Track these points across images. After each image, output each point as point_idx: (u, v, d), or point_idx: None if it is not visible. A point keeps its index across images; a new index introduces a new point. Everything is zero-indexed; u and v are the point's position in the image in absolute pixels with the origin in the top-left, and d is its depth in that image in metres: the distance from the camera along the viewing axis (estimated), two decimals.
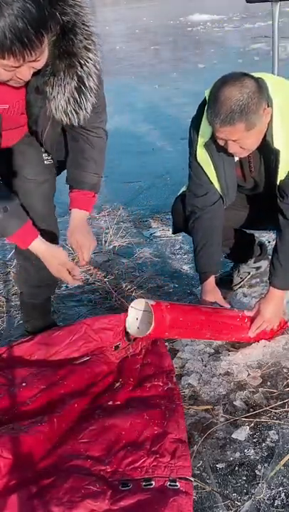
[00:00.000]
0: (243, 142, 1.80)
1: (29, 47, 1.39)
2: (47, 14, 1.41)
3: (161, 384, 1.88)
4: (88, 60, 1.61)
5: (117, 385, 1.90)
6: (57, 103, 1.65)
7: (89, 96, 1.66)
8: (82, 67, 1.61)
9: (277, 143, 1.85)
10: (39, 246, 1.82)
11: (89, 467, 1.55)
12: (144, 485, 1.48)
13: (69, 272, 1.87)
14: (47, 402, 1.77)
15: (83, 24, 1.59)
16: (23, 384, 1.83)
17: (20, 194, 1.91)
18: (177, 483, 1.48)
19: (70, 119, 1.69)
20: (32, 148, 1.91)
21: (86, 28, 1.59)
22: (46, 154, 1.94)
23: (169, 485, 1.48)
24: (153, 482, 1.49)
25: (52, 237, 1.97)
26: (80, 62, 1.60)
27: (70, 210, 1.97)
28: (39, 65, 1.50)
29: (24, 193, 1.92)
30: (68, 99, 1.64)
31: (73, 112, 1.67)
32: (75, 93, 1.64)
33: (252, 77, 1.78)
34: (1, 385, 1.84)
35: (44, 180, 1.96)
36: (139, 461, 1.56)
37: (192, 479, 1.52)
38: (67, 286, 2.70)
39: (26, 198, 1.91)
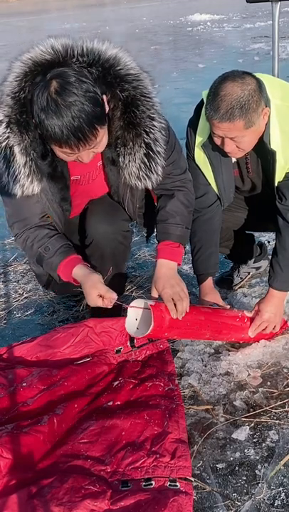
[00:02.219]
0: (240, 140, 1.80)
1: (83, 140, 1.58)
2: (102, 111, 1.60)
3: (162, 384, 1.88)
4: (153, 127, 1.77)
5: (117, 383, 1.90)
6: (130, 170, 1.82)
7: (158, 160, 1.82)
8: (148, 135, 1.76)
9: (274, 144, 1.85)
10: (77, 274, 1.86)
11: (89, 467, 1.55)
12: (144, 485, 1.48)
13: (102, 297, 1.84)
14: (47, 402, 1.77)
15: (143, 96, 1.73)
16: (24, 384, 1.83)
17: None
18: (177, 483, 1.48)
19: (143, 183, 1.84)
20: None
21: (147, 100, 1.74)
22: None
23: (169, 485, 1.48)
24: (153, 482, 1.49)
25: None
26: (145, 131, 1.76)
27: (157, 260, 1.98)
28: (98, 150, 1.69)
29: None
30: (140, 166, 1.80)
31: (145, 177, 1.83)
32: (145, 159, 1.79)
33: (253, 75, 1.77)
34: (2, 385, 1.84)
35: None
36: (139, 461, 1.56)
37: (192, 479, 1.52)
38: None
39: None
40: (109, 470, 1.54)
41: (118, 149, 1.79)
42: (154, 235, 2.10)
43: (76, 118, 1.53)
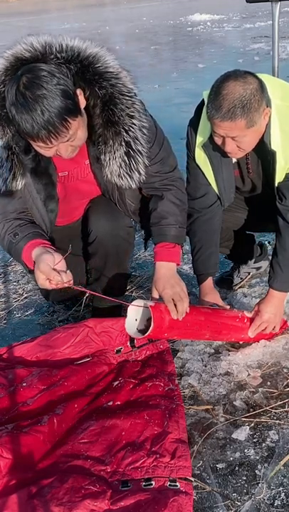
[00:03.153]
0: (241, 140, 1.79)
1: (54, 133, 1.57)
2: (73, 103, 1.58)
3: (162, 384, 1.88)
4: (133, 126, 1.76)
5: (117, 383, 1.90)
6: (111, 168, 1.81)
7: (139, 158, 1.80)
8: (127, 133, 1.76)
9: (275, 144, 1.85)
10: (34, 256, 1.79)
11: (89, 467, 1.55)
12: (144, 485, 1.48)
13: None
14: (47, 402, 1.77)
15: (121, 94, 1.72)
16: (24, 384, 1.83)
17: None
18: (177, 483, 1.48)
19: (125, 182, 1.83)
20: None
21: (126, 98, 1.73)
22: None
23: (169, 485, 1.48)
24: (153, 482, 1.49)
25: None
26: (124, 129, 1.75)
27: (155, 262, 1.98)
28: (76, 143, 1.68)
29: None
30: (120, 164, 1.79)
31: (126, 175, 1.82)
32: (125, 157, 1.79)
33: (254, 75, 1.77)
34: (2, 385, 1.84)
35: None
36: (139, 461, 1.56)
37: (192, 479, 1.52)
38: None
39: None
40: (109, 470, 1.54)
41: (100, 147, 1.79)
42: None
43: (45, 111, 1.52)
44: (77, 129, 1.65)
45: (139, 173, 1.83)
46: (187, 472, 1.52)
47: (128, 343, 2.07)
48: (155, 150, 1.91)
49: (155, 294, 1.94)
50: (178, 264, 1.98)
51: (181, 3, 26.66)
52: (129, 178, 1.83)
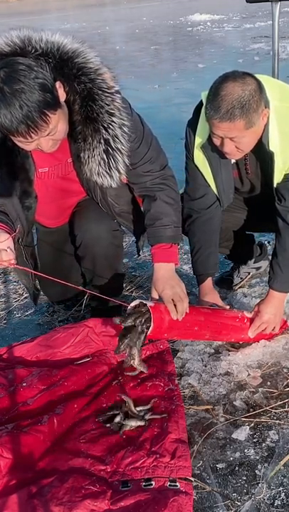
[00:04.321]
0: (239, 141, 1.79)
1: (33, 128, 1.54)
2: (52, 96, 1.56)
3: (162, 385, 1.88)
4: (112, 123, 1.72)
5: (116, 382, 1.90)
6: (90, 166, 1.78)
7: (118, 157, 1.76)
8: (106, 131, 1.72)
9: (273, 145, 1.85)
10: None
11: (89, 467, 1.55)
12: (144, 485, 1.48)
13: None
14: (47, 402, 1.77)
15: (101, 90, 1.68)
16: (24, 384, 1.83)
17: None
18: (177, 483, 1.48)
19: (104, 180, 1.80)
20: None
21: (106, 95, 1.69)
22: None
23: (169, 485, 1.48)
24: (153, 482, 1.49)
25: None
26: (104, 126, 1.71)
27: (154, 263, 1.99)
28: (57, 136, 1.65)
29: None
30: (99, 162, 1.76)
31: (105, 174, 1.78)
32: (104, 155, 1.75)
33: (253, 76, 1.77)
34: (2, 385, 1.84)
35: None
36: (139, 461, 1.56)
37: (192, 479, 1.52)
38: None
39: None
40: (109, 470, 1.54)
41: (79, 144, 1.76)
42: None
43: (24, 106, 1.50)
44: (58, 123, 1.62)
45: (119, 172, 1.80)
46: (187, 472, 1.53)
47: None
48: (143, 149, 1.89)
49: (155, 295, 1.94)
50: (176, 264, 1.98)
51: (181, 3, 26.66)
52: (108, 177, 1.80)
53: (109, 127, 1.72)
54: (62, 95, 1.65)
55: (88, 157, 1.76)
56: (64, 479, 1.49)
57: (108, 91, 1.70)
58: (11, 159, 1.77)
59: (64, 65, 1.65)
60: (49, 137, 1.63)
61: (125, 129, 1.76)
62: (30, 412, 1.73)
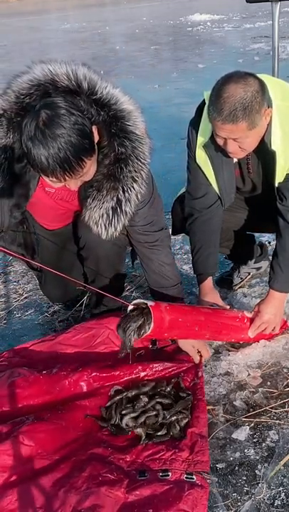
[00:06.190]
0: (242, 141, 1.79)
1: (69, 171, 1.59)
2: (90, 142, 1.60)
3: (189, 380, 1.89)
4: (132, 188, 1.77)
5: (144, 374, 1.92)
6: (92, 213, 1.81)
7: (122, 218, 1.81)
8: (123, 193, 1.76)
9: (275, 145, 1.85)
10: None
11: (108, 455, 1.59)
12: (161, 475, 1.52)
13: None
14: (72, 395, 1.82)
15: (137, 158, 1.74)
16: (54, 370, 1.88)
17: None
18: (194, 477, 1.51)
19: (98, 230, 1.83)
20: None
21: (138, 162, 1.74)
22: None
23: (186, 477, 1.51)
24: (170, 473, 1.52)
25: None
26: (123, 188, 1.76)
27: None
28: (86, 178, 1.70)
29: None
30: (102, 214, 1.80)
31: (102, 226, 1.82)
32: (110, 211, 1.79)
33: (255, 76, 1.76)
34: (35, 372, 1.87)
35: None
36: (158, 453, 1.60)
37: (209, 474, 1.54)
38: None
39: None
40: (128, 459, 1.58)
41: (90, 191, 1.80)
42: None
43: (62, 150, 1.53)
44: (90, 166, 1.67)
45: (115, 230, 1.83)
46: (205, 466, 1.55)
47: (149, 345, 2.07)
48: (147, 211, 1.93)
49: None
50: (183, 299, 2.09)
51: (181, 3, 26.65)
52: (103, 230, 1.83)
53: (128, 191, 1.77)
54: (96, 138, 1.67)
55: (95, 206, 1.80)
56: (82, 468, 1.53)
57: (142, 161, 1.76)
58: (20, 174, 1.81)
59: (113, 122, 1.69)
60: (80, 179, 1.67)
61: (139, 196, 1.81)
62: (54, 403, 1.78)
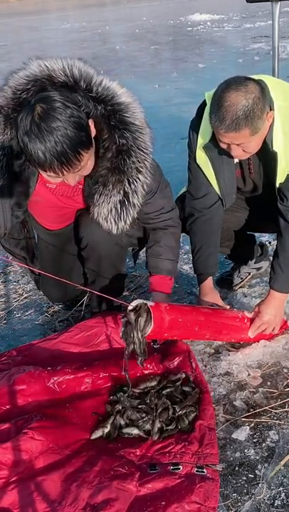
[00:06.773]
0: (246, 146, 1.80)
1: (67, 165, 1.58)
2: (86, 135, 1.59)
3: (190, 373, 1.91)
4: (137, 180, 1.77)
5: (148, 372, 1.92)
6: (100, 210, 1.81)
7: (130, 211, 1.82)
8: (129, 185, 1.77)
9: (277, 145, 1.85)
10: None
11: (118, 450, 1.60)
12: (172, 469, 1.53)
13: None
14: (79, 392, 1.83)
15: (139, 148, 1.74)
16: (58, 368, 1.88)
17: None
18: (204, 470, 1.52)
19: (108, 225, 1.84)
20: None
21: (141, 153, 1.75)
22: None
23: (196, 471, 1.52)
24: (180, 467, 1.53)
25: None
26: (128, 180, 1.76)
27: (149, 292, 2.13)
28: (84, 172, 1.70)
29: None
30: (111, 209, 1.80)
31: (112, 221, 1.83)
32: (118, 205, 1.80)
33: (255, 80, 1.76)
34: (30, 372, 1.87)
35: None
36: (168, 447, 1.61)
37: (219, 466, 1.55)
38: None
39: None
40: (138, 453, 1.59)
41: (96, 187, 1.80)
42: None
43: (59, 143, 1.52)
44: (88, 160, 1.66)
45: (125, 223, 1.84)
46: (214, 459, 1.56)
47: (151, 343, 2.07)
48: (157, 200, 1.95)
49: None
50: (168, 293, 2.11)
51: (181, 3, 26.65)
52: (113, 224, 1.83)
53: (134, 183, 1.77)
54: (93, 132, 1.67)
55: (103, 202, 1.80)
56: (94, 462, 1.54)
57: (144, 150, 1.75)
58: (19, 171, 1.80)
59: (112, 115, 1.69)
60: (77, 173, 1.66)
61: (145, 187, 1.81)
62: (64, 399, 1.79)
